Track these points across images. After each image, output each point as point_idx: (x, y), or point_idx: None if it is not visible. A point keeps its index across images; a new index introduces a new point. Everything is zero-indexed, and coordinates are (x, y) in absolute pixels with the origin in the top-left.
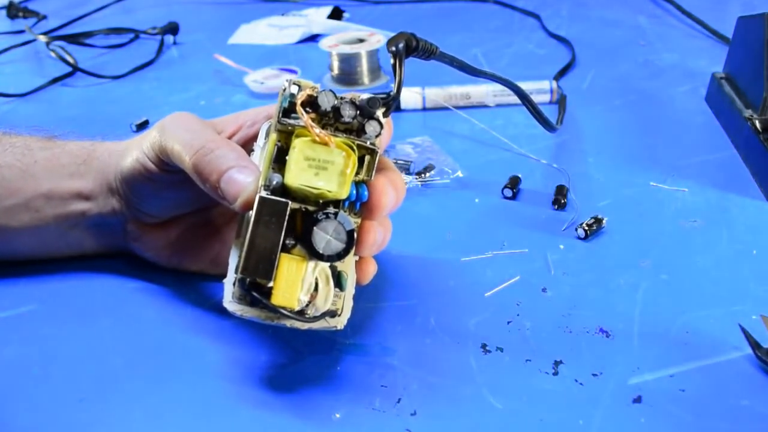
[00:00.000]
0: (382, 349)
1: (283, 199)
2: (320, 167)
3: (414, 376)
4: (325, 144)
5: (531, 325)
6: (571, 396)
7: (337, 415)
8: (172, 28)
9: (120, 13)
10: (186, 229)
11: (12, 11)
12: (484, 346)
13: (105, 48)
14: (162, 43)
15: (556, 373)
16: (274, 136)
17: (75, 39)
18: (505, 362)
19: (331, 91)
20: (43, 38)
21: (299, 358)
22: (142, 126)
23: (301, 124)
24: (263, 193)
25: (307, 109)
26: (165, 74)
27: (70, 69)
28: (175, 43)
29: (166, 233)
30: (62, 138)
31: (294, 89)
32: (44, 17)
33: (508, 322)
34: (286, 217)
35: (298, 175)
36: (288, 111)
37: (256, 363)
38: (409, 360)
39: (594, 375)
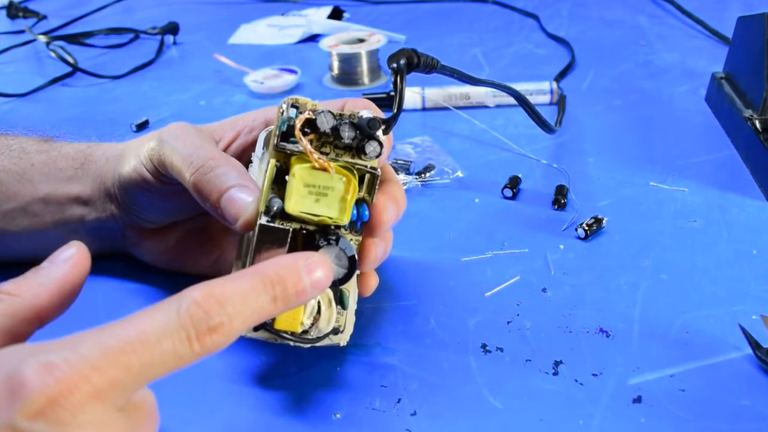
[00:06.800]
0: (383, 349)
1: (284, 227)
2: (320, 194)
3: (414, 376)
4: (325, 170)
5: (531, 325)
6: (571, 396)
7: (337, 415)
8: (172, 28)
9: (120, 13)
10: (185, 235)
11: (12, 11)
12: (484, 346)
13: (105, 48)
14: (162, 43)
15: (556, 373)
16: (273, 161)
17: (75, 39)
18: (505, 362)
19: (330, 111)
20: (43, 38)
21: (299, 359)
22: (142, 126)
23: (300, 149)
24: (263, 220)
25: (306, 129)
26: (165, 74)
27: (70, 69)
28: (175, 43)
29: (164, 239)
30: (58, 139)
31: (292, 112)
32: (44, 17)
33: (508, 322)
34: (287, 245)
35: (298, 202)
36: (286, 134)
37: (256, 363)
38: (409, 360)
39: (594, 375)
